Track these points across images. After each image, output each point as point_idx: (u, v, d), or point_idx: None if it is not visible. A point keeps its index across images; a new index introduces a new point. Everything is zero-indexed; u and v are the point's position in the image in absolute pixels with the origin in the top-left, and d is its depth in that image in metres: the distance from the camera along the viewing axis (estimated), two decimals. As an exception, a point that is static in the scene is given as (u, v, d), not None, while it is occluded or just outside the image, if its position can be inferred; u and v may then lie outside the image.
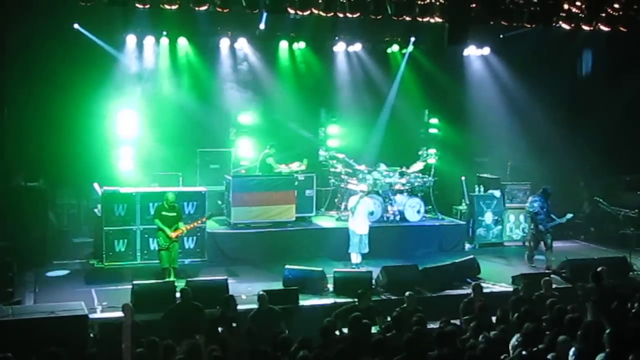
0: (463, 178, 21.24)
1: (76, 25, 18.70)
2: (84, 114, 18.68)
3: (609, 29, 19.17)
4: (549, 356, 9.78)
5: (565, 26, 19.00)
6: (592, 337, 10.00)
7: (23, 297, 14.78)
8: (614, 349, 9.37)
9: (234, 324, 12.31)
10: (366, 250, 17.67)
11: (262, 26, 20.08)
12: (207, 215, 17.18)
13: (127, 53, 19.97)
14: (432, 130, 21.64)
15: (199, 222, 16.76)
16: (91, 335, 12.27)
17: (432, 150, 21.02)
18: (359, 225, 17.66)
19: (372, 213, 18.31)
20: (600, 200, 21.02)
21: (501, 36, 22.15)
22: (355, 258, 17.63)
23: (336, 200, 20.85)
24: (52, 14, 17.95)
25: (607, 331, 9.68)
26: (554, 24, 18.91)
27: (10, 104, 17.94)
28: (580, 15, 18.87)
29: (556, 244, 18.74)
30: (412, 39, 21.91)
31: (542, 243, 18.50)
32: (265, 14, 18.92)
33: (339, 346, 9.99)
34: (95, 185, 17.64)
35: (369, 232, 17.73)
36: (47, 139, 18.56)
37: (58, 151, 18.73)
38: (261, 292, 13.46)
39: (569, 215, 18.64)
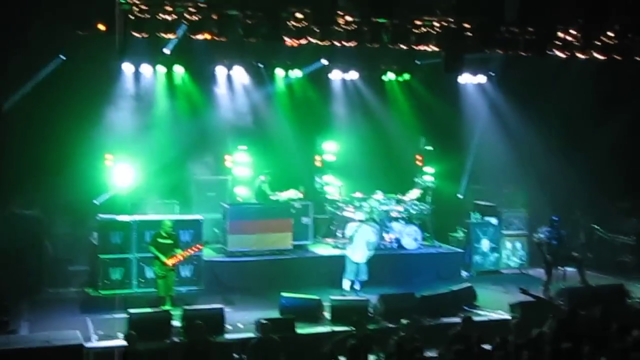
0: (460, 196, 21.35)
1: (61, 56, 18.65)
2: (81, 144, 18.66)
3: (604, 58, 19.26)
4: None
5: (560, 54, 19.10)
6: None
7: (18, 326, 14.70)
8: None
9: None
10: (365, 277, 17.64)
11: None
12: (204, 242, 17.10)
13: (123, 81, 19.96)
14: (428, 157, 21.66)
15: (196, 248, 16.65)
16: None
17: (428, 178, 21.07)
18: (356, 253, 17.63)
19: (371, 243, 17.88)
20: (597, 227, 20.96)
21: (492, 74, 22.55)
22: (346, 285, 17.64)
23: (332, 227, 20.79)
24: (49, 40, 17.90)
25: None
26: (549, 52, 19.00)
27: (6, 132, 17.92)
28: (575, 43, 18.98)
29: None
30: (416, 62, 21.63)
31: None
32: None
33: None
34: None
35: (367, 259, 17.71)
36: (43, 167, 18.50)
37: (54, 180, 18.64)
38: (263, 320, 13.41)
39: None
